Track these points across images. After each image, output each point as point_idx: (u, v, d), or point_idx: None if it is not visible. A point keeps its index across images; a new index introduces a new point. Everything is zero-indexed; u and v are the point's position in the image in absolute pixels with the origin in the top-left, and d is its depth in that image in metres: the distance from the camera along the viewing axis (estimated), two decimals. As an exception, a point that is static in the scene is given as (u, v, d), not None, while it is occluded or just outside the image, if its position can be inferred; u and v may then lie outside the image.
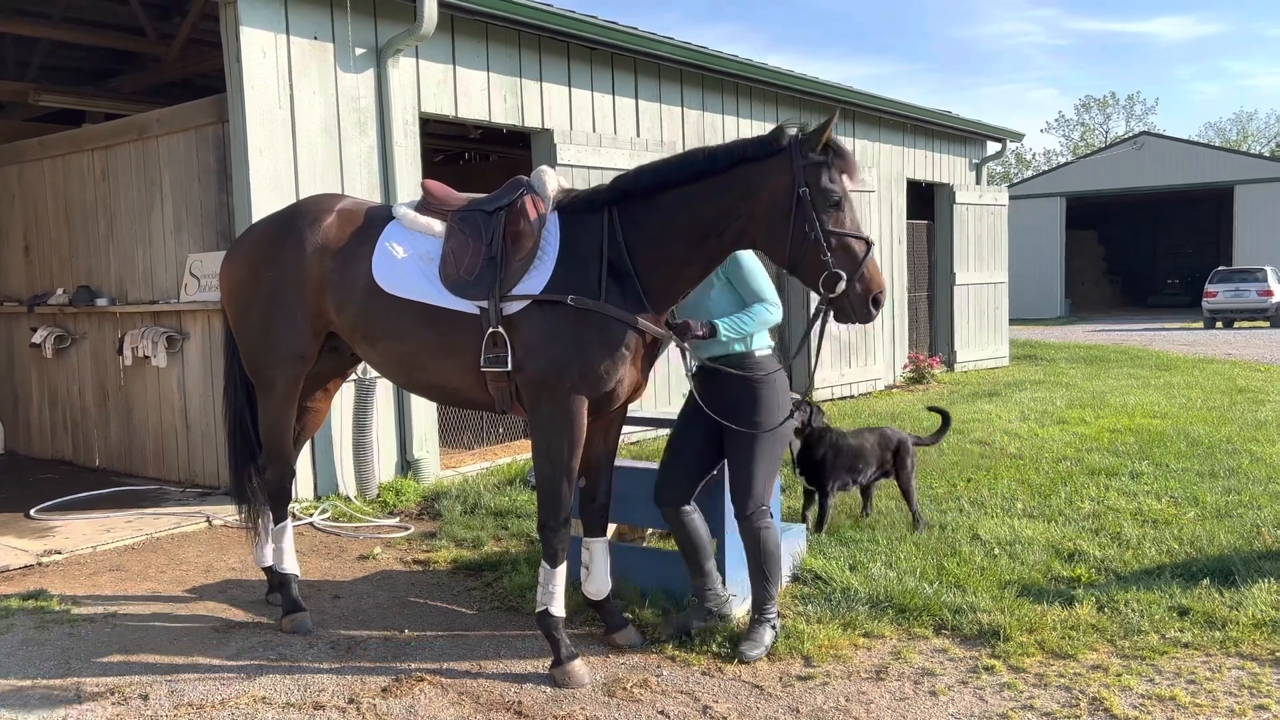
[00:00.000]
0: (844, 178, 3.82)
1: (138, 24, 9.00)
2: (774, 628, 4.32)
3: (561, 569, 4.12)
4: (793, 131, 3.84)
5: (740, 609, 4.70)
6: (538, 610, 4.14)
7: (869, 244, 3.82)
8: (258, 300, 4.54)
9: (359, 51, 7.36)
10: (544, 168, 4.32)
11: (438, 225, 4.24)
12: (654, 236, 4.00)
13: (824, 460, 5.76)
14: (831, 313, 3.86)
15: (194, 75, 9.65)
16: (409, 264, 4.19)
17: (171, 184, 7.71)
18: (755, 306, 4.29)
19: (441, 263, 4.14)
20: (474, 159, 14.42)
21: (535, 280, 4.00)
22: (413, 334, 4.21)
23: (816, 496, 5.87)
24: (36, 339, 8.80)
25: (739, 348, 4.30)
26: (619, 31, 8.94)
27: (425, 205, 4.35)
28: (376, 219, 4.42)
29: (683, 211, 3.95)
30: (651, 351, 4.22)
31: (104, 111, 9.81)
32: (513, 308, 4.01)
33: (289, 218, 4.61)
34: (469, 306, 4.07)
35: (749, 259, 4.36)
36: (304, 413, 4.87)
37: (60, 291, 8.68)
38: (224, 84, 6.97)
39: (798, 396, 5.64)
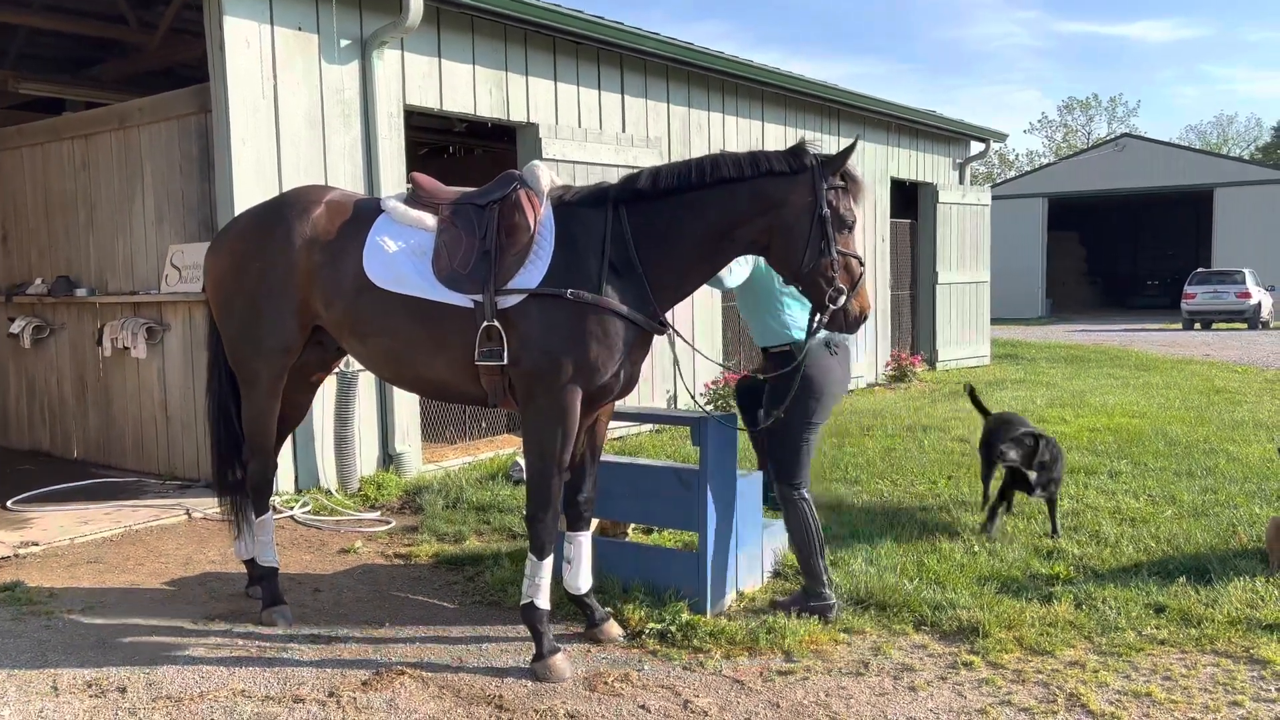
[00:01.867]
0: (853, 202, 4.06)
1: (119, 11, 8.90)
2: (815, 600, 4.57)
3: (548, 561, 4.11)
4: (815, 152, 4.04)
5: (722, 603, 4.72)
6: (523, 602, 4.14)
7: (863, 264, 4.11)
8: (243, 292, 4.49)
9: (344, 43, 7.32)
10: (536, 163, 4.32)
11: (429, 219, 4.22)
12: (665, 235, 4.06)
13: (1052, 481, 5.85)
14: (823, 320, 4.10)
15: (176, 64, 9.54)
16: (401, 257, 4.16)
17: (153, 174, 7.65)
18: (732, 273, 4.62)
19: (434, 256, 4.13)
20: (459, 153, 14.35)
21: (531, 274, 4.01)
22: (404, 328, 4.19)
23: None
24: (14, 329, 8.71)
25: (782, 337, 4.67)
26: (605, 26, 8.93)
27: (415, 198, 4.32)
28: (366, 212, 4.39)
29: (700, 214, 4.04)
30: (646, 347, 4.25)
31: (84, 100, 9.72)
32: (508, 301, 4.01)
33: (276, 209, 4.56)
34: (463, 300, 4.06)
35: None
36: (288, 406, 4.84)
37: (39, 281, 8.60)
38: (206, 73, 6.91)
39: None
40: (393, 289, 4.16)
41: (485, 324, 4.01)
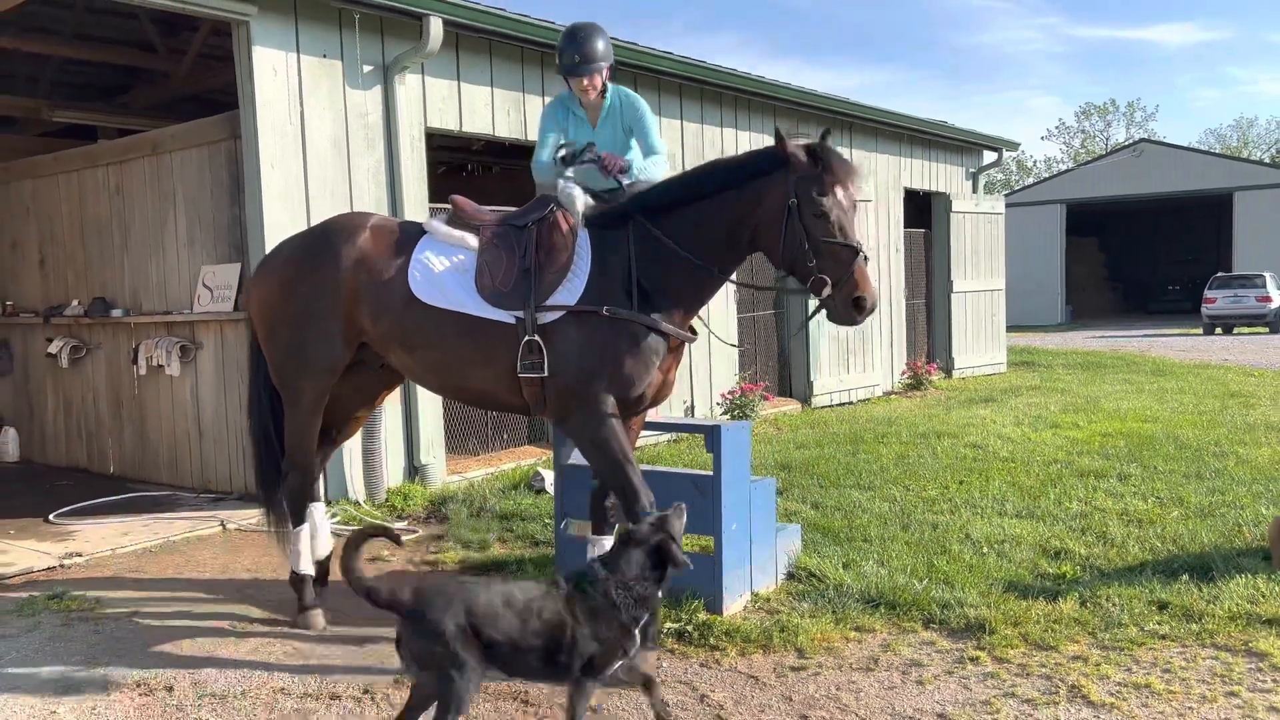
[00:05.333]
0: (836, 189, 4.09)
1: (148, 40, 9.19)
2: None
3: None
4: (795, 143, 4.12)
5: (737, 604, 4.89)
6: None
7: (856, 251, 4.08)
8: (291, 314, 4.68)
9: (367, 69, 7.58)
10: (571, 185, 4.54)
11: (471, 239, 4.45)
12: (682, 246, 4.26)
13: None
14: (824, 312, 4.19)
15: (204, 90, 9.84)
16: (446, 275, 4.39)
17: (184, 198, 7.93)
18: (658, 158, 4.76)
19: (477, 274, 4.35)
20: (476, 170, 14.64)
21: (570, 292, 4.24)
22: (450, 342, 4.40)
23: None
24: (52, 349, 9.01)
25: None
26: (619, 47, 9.09)
27: (455, 219, 4.55)
28: (410, 233, 4.62)
29: (706, 222, 4.25)
30: (679, 354, 4.46)
31: (115, 126, 10.03)
32: (548, 317, 4.24)
33: (323, 233, 4.78)
34: (505, 316, 4.29)
35: (649, 110, 4.86)
36: (347, 422, 5.07)
37: (75, 303, 8.89)
38: (234, 98, 7.19)
39: None
40: (438, 304, 4.38)
41: (526, 339, 4.23)
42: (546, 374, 4.24)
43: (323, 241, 4.72)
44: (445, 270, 4.41)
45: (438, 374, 4.56)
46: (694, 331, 4.44)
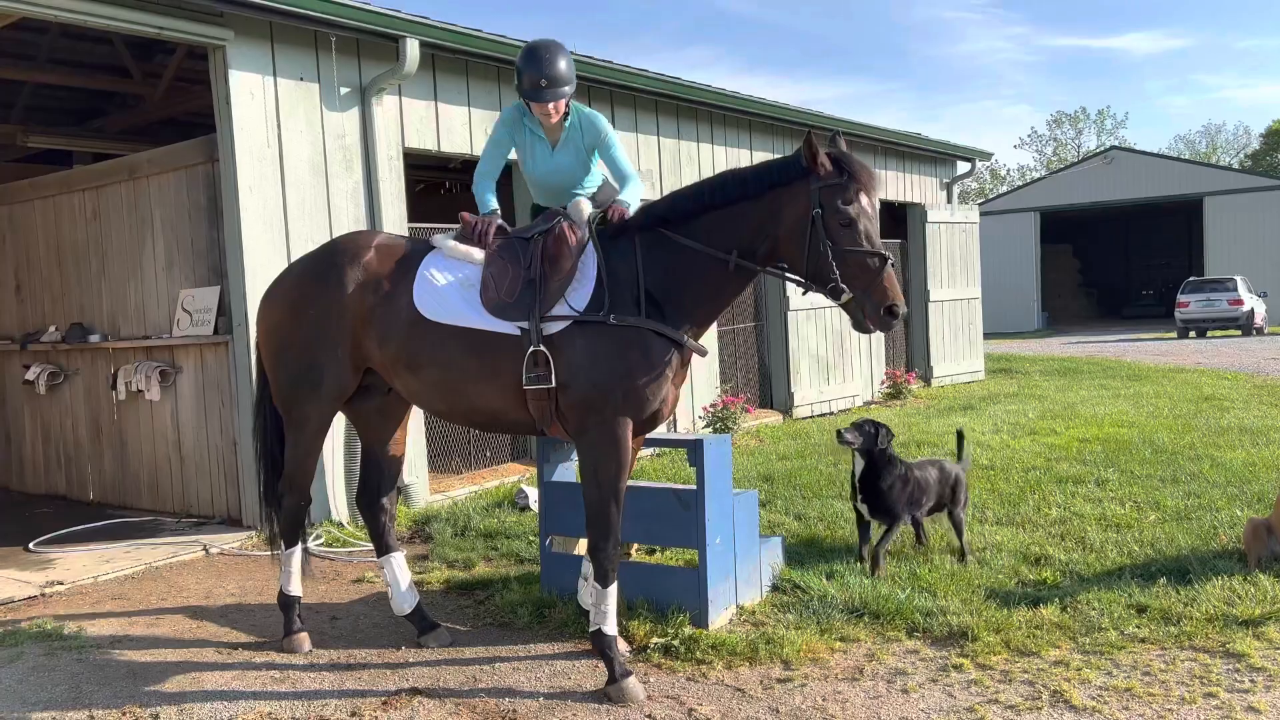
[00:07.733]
0: (861, 196, 4.04)
1: (122, 64, 9.19)
2: None
3: (613, 589, 4.26)
4: (818, 151, 4.03)
5: (723, 617, 4.92)
6: (591, 630, 4.31)
7: (884, 259, 4.02)
8: (299, 338, 4.62)
9: (344, 91, 7.61)
10: (580, 198, 4.55)
11: (477, 253, 4.42)
12: (693, 260, 4.24)
13: (890, 489, 5.63)
14: (856, 321, 4.10)
15: (179, 114, 9.83)
16: (449, 290, 4.36)
17: (162, 222, 7.92)
18: (634, 181, 4.67)
19: (482, 287, 4.32)
20: (455, 189, 14.66)
21: (576, 300, 4.22)
22: (455, 359, 4.35)
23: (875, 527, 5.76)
24: (30, 376, 8.95)
25: None
26: (595, 65, 9.22)
27: (464, 235, 4.53)
28: (415, 251, 4.58)
29: (718, 234, 4.21)
30: (685, 369, 4.44)
31: (91, 151, 10.01)
32: (553, 327, 4.20)
33: (328, 255, 4.71)
34: (509, 328, 4.25)
35: (615, 135, 4.76)
36: (387, 445, 5.00)
37: (53, 329, 8.85)
38: (210, 121, 7.19)
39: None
40: (443, 320, 4.33)
41: (531, 349, 4.20)
42: (555, 385, 4.20)
43: (328, 263, 4.65)
44: (449, 285, 4.36)
45: (445, 394, 4.47)
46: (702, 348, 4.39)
